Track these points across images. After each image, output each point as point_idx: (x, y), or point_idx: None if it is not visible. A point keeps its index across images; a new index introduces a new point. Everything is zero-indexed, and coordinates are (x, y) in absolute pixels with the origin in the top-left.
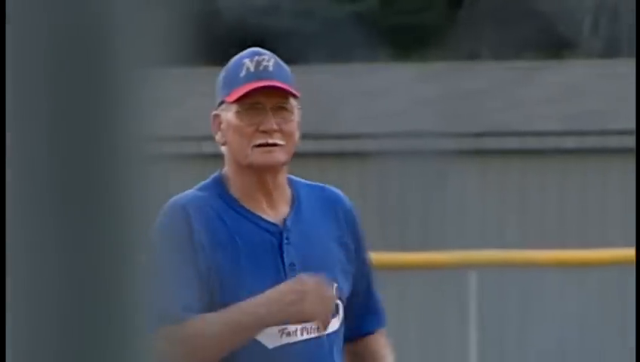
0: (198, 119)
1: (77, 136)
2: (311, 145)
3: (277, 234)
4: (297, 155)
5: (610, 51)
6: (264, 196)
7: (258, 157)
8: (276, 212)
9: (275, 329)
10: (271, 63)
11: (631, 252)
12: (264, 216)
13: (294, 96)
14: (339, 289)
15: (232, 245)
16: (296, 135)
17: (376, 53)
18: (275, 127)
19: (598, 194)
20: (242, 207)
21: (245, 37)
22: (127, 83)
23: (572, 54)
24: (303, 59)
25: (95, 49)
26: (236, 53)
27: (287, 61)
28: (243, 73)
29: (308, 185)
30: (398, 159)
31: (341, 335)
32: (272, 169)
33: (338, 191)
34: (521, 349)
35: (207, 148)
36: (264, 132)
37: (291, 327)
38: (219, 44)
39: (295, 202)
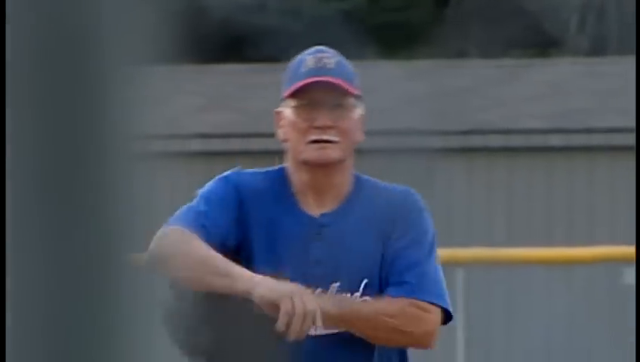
0: (185, 117)
1: (64, 133)
2: None
3: (311, 228)
4: (283, 153)
5: (596, 49)
6: (314, 192)
7: (311, 153)
8: (321, 208)
9: None
10: (332, 61)
11: (617, 249)
12: (305, 210)
13: (353, 94)
14: (368, 286)
15: (267, 230)
16: (355, 133)
17: (363, 51)
18: (329, 123)
19: (585, 192)
20: (291, 197)
21: (232, 35)
22: (114, 81)
23: (558, 52)
24: (289, 57)
25: (82, 47)
26: (223, 52)
27: (273, 59)
28: (303, 69)
29: (378, 186)
30: (385, 157)
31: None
32: (326, 166)
33: (405, 191)
34: (508, 346)
35: (194, 146)
36: (318, 128)
37: None
38: (205, 43)
39: (346, 200)
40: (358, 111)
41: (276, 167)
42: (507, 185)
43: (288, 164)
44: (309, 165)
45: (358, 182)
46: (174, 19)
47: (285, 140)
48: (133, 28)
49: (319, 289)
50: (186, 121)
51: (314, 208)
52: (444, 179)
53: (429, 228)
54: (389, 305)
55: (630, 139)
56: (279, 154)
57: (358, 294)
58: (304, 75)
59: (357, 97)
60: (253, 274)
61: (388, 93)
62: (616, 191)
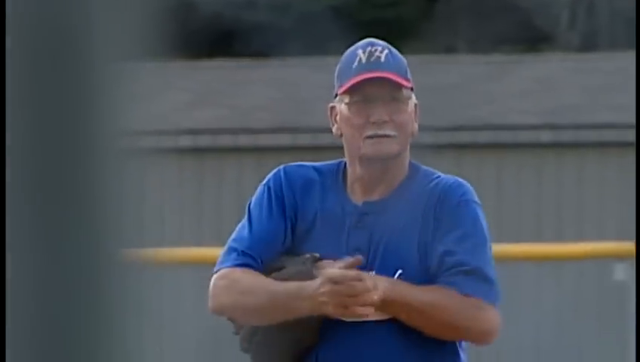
0: (175, 113)
1: (53, 130)
2: (286, 139)
3: (354, 216)
4: (273, 149)
5: (586, 45)
6: (366, 183)
7: (369, 148)
8: (369, 197)
9: None
10: (384, 54)
11: (606, 246)
12: (352, 198)
13: (406, 86)
14: (405, 276)
15: (313, 218)
16: (411, 126)
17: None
18: (385, 118)
19: (574, 188)
20: (341, 187)
21: (221, 31)
22: (103, 77)
23: (549, 48)
24: (279, 52)
25: (71, 43)
26: (212, 47)
27: (263, 55)
28: (355, 64)
29: (430, 177)
30: None
31: (408, 326)
32: (384, 160)
33: (455, 183)
34: (497, 343)
35: (184, 142)
36: (374, 123)
37: None
38: (195, 38)
39: (396, 190)
40: (412, 103)
41: (335, 161)
42: (496, 181)
43: (345, 157)
44: (367, 160)
45: (412, 171)
46: (163, 15)
47: (340, 136)
48: (122, 24)
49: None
50: (176, 117)
51: (361, 197)
52: None
53: (480, 220)
54: (444, 298)
55: (620, 136)
56: (268, 150)
57: None
58: (356, 70)
59: (410, 88)
60: (300, 285)
61: None
62: (606, 188)
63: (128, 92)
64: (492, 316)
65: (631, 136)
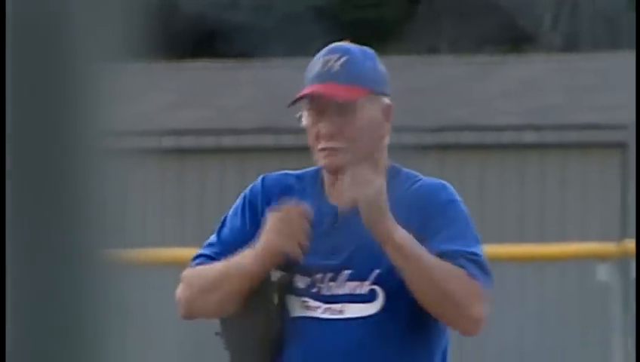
0: (158, 114)
1: (35, 130)
2: (270, 140)
3: (331, 217)
4: (256, 150)
5: (569, 46)
6: (340, 187)
7: (322, 160)
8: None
9: (297, 299)
10: (339, 63)
11: (589, 246)
12: (329, 200)
13: (359, 96)
14: (381, 276)
15: None
16: (368, 133)
17: None
18: (333, 130)
19: (557, 188)
20: (320, 190)
21: (204, 31)
22: (86, 77)
23: (532, 49)
24: (262, 53)
25: (54, 43)
26: (195, 48)
27: (246, 55)
28: (311, 74)
29: (411, 179)
30: None
31: (383, 325)
32: (336, 172)
33: (439, 184)
34: (480, 344)
35: (166, 142)
36: (324, 136)
37: (312, 302)
38: (178, 39)
39: None
40: (373, 108)
41: (314, 167)
42: (479, 182)
43: None
44: (326, 170)
45: (391, 174)
46: (146, 15)
47: None
48: (105, 24)
49: (332, 277)
50: (159, 118)
51: (338, 199)
52: None
53: (468, 220)
54: (454, 269)
55: (603, 136)
56: (251, 151)
57: (367, 283)
58: (310, 80)
59: (374, 92)
60: (245, 252)
61: None
62: (589, 189)
63: (111, 92)
64: (485, 307)
65: (615, 136)
